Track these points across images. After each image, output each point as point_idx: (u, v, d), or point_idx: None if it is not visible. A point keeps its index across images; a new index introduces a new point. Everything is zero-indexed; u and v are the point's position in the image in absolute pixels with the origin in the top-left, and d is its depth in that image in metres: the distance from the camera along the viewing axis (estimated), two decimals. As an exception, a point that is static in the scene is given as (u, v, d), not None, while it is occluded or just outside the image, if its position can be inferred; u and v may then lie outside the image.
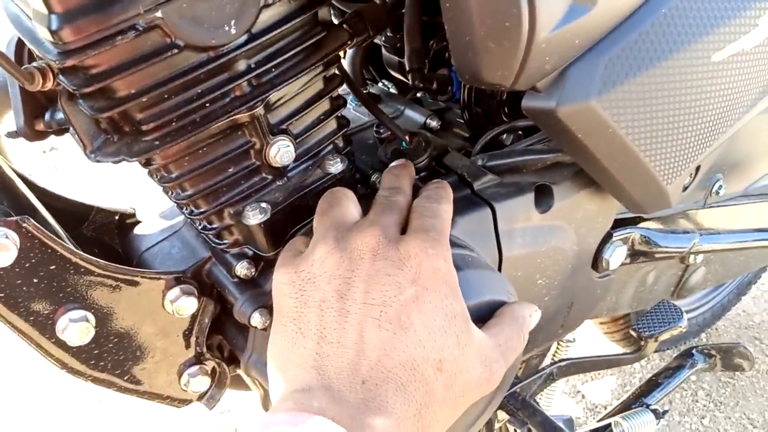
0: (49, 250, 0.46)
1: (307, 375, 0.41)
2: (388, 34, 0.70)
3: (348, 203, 0.50)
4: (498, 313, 0.50)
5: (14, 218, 0.44)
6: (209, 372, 0.59)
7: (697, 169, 0.69)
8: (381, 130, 0.65)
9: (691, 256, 0.88)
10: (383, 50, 0.77)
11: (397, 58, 0.74)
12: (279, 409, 0.39)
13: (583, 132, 0.53)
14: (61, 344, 0.50)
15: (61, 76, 0.42)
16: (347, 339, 0.41)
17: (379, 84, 0.82)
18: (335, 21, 0.57)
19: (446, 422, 0.44)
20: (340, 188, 0.52)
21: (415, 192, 0.54)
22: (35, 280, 0.47)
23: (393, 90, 0.81)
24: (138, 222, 0.64)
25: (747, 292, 1.54)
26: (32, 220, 0.45)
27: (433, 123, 0.70)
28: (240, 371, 0.61)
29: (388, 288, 0.42)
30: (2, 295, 0.45)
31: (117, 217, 0.63)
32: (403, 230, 0.49)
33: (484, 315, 0.49)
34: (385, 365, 0.40)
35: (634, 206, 0.66)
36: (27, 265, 0.46)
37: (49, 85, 0.44)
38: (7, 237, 0.44)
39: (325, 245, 0.45)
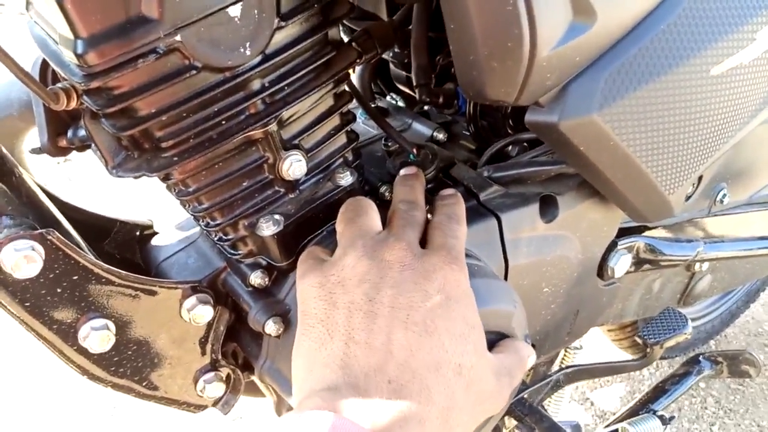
0: (72, 262, 0.48)
1: (334, 375, 0.42)
2: (396, 50, 0.72)
3: (372, 212, 0.52)
4: (501, 344, 0.52)
5: (40, 231, 0.46)
6: (224, 378, 0.61)
7: (700, 178, 0.70)
8: (389, 143, 0.67)
9: (697, 264, 0.89)
10: (391, 65, 0.79)
11: (404, 73, 0.76)
12: (305, 407, 0.40)
13: (585, 145, 0.54)
14: (83, 351, 0.52)
15: (85, 97, 0.44)
16: (375, 340, 0.43)
17: (388, 97, 0.84)
18: (345, 37, 0.59)
19: (467, 430, 0.46)
20: (362, 198, 0.54)
21: (426, 202, 0.56)
22: (59, 290, 0.49)
23: (401, 103, 0.83)
24: (155, 233, 0.66)
25: (756, 299, 1.54)
26: (56, 232, 0.47)
27: (440, 135, 0.72)
28: (254, 377, 0.63)
29: (416, 294, 0.45)
30: (28, 304, 0.47)
31: (137, 230, 0.65)
32: (421, 243, 0.51)
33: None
34: (410, 365, 0.42)
35: (638, 216, 0.68)
36: (51, 275, 0.48)
37: (73, 104, 0.46)
38: (33, 249, 0.46)
39: (354, 252, 0.47)
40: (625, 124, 0.54)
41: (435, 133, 0.72)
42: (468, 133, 0.72)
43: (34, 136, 0.58)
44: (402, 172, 0.58)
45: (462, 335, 0.45)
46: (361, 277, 0.46)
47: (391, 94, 0.84)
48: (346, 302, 0.45)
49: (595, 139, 0.54)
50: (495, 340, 0.53)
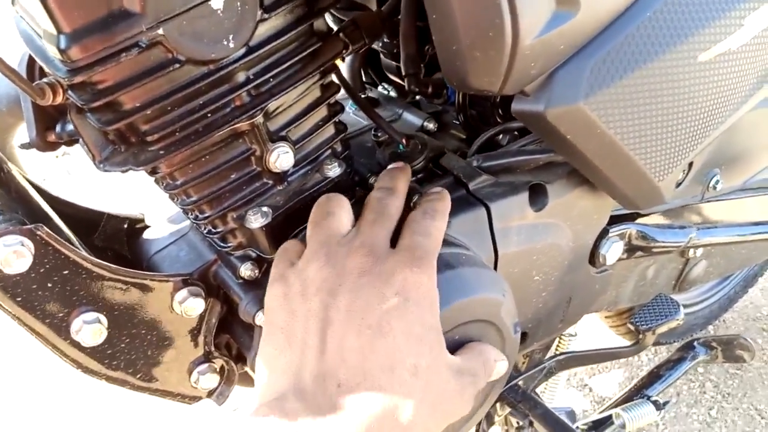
0: (62, 256, 0.49)
1: (286, 382, 0.43)
2: (385, 40, 0.72)
3: (341, 212, 0.52)
4: (468, 346, 0.52)
5: (29, 226, 0.46)
6: (218, 370, 0.61)
7: (690, 165, 0.70)
8: (379, 134, 0.67)
9: (691, 250, 0.89)
10: (381, 55, 0.79)
11: (394, 63, 0.76)
12: (253, 415, 0.41)
13: (572, 133, 0.54)
14: (76, 345, 0.52)
15: (70, 92, 0.44)
16: (327, 345, 0.43)
17: (379, 88, 0.84)
18: (334, 27, 0.59)
19: (428, 429, 0.45)
20: (333, 195, 0.54)
21: (413, 194, 0.56)
22: (50, 285, 0.49)
23: (393, 93, 0.82)
24: (147, 226, 0.67)
25: (754, 284, 1.54)
26: (45, 228, 0.47)
27: (430, 125, 0.72)
28: (247, 368, 0.63)
29: (372, 298, 0.45)
30: (19, 299, 0.48)
31: (126, 223, 0.65)
32: (396, 235, 0.51)
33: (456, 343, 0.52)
34: (363, 367, 0.42)
35: (628, 203, 0.68)
36: (42, 270, 0.48)
37: (59, 99, 0.47)
38: (22, 244, 0.46)
39: (317, 262, 0.48)
40: (613, 112, 0.54)
41: (425, 123, 0.72)
42: (458, 123, 0.72)
43: (23, 131, 0.59)
44: (389, 166, 0.58)
45: (418, 336, 0.45)
46: (320, 285, 0.46)
47: (383, 83, 0.84)
48: (304, 311, 0.46)
49: (582, 127, 0.54)
50: (463, 342, 0.53)
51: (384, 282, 0.45)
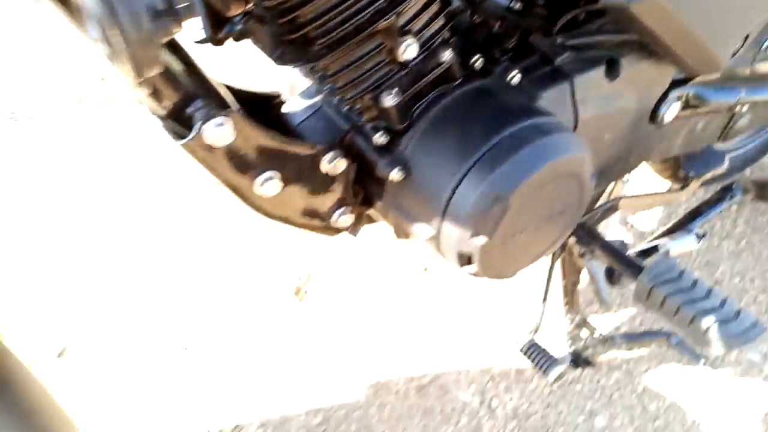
0: (250, 132, 0.65)
1: None
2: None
3: None
4: None
5: (228, 110, 0.62)
6: (351, 211, 0.79)
7: (746, 37, 0.80)
8: (474, 16, 0.77)
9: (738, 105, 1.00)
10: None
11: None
12: None
13: (648, 20, 0.65)
14: (259, 196, 0.70)
15: (259, 10, 0.57)
16: None
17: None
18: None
19: None
20: None
21: (509, 71, 0.68)
22: (241, 154, 0.65)
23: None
24: (283, 102, 0.81)
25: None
26: (237, 112, 0.63)
27: (517, 5, 0.81)
28: (371, 211, 0.81)
29: None
30: (222, 164, 0.65)
31: (270, 99, 0.81)
32: None
33: None
34: None
35: (689, 71, 0.79)
36: (236, 143, 0.64)
37: (243, 9, 0.60)
38: (225, 124, 0.62)
39: None
40: (682, 1, 0.65)
41: (512, 3, 0.81)
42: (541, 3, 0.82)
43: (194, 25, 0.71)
44: None
45: None
46: None
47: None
48: None
49: (657, 15, 0.65)
50: None
51: None
